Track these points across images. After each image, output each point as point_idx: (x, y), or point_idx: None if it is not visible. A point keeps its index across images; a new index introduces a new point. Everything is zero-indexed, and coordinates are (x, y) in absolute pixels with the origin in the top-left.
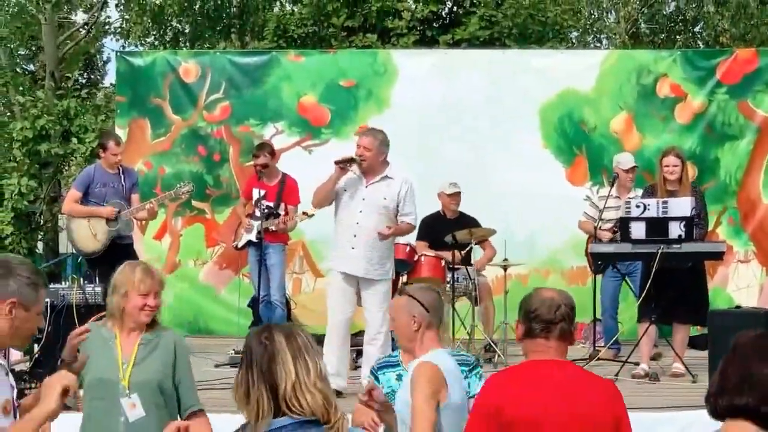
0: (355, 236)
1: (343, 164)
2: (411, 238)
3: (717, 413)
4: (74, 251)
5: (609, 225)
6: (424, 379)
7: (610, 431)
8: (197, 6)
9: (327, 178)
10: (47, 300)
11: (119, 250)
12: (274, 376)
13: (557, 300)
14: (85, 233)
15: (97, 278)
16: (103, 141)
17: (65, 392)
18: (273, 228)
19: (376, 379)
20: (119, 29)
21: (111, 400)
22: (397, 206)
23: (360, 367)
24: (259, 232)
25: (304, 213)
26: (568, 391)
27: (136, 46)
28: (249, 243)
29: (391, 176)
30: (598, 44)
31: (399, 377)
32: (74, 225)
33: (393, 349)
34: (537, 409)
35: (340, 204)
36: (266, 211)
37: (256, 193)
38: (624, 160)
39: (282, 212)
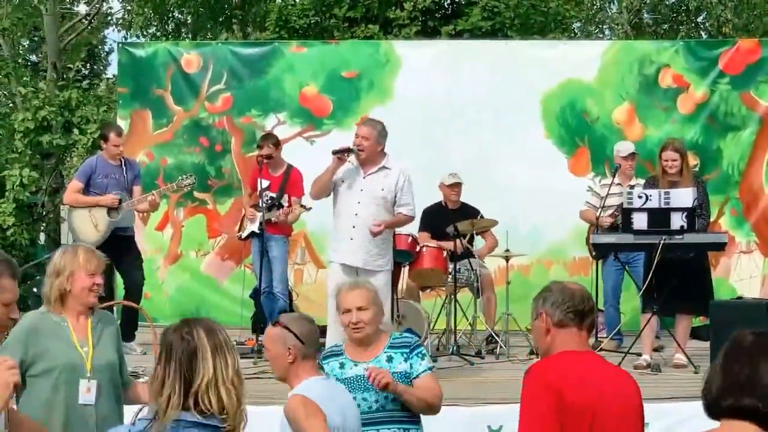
0: (353, 227)
1: (341, 154)
2: (413, 228)
3: (717, 412)
4: (75, 241)
5: (610, 211)
6: (300, 412)
7: (642, 420)
8: None
9: (324, 168)
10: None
11: (122, 241)
12: (192, 372)
13: (585, 292)
14: (86, 223)
15: None
16: (105, 132)
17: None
18: (274, 219)
19: (321, 368)
20: (121, 20)
21: (75, 383)
22: (395, 197)
23: None
24: (261, 224)
25: (301, 206)
26: (617, 380)
27: (138, 37)
28: (252, 234)
29: (388, 167)
30: (601, 35)
31: (342, 365)
32: (75, 215)
33: None
34: (593, 395)
35: (338, 195)
36: (269, 202)
37: (260, 184)
38: (623, 148)
39: (285, 203)
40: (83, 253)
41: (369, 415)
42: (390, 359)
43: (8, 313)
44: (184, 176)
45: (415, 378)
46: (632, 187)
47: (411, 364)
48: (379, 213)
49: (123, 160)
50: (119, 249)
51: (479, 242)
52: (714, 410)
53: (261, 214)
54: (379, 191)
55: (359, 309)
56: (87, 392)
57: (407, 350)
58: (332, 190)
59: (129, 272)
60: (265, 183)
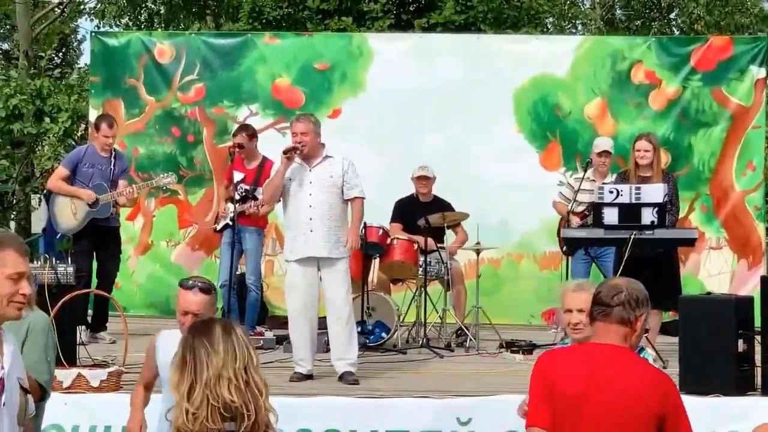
0: (311, 219)
1: (290, 153)
2: (384, 219)
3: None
4: (55, 227)
5: (582, 208)
6: None
7: (647, 425)
8: None
9: (273, 173)
10: None
11: (103, 232)
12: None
13: (620, 286)
14: (66, 210)
15: (68, 258)
16: (97, 122)
17: None
18: (247, 212)
19: None
20: (94, 9)
21: None
22: (343, 182)
23: (330, 350)
24: (234, 215)
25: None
26: (611, 375)
27: (111, 26)
28: (226, 225)
29: (331, 155)
30: (574, 30)
31: None
32: (57, 201)
33: (360, 324)
34: (579, 387)
35: (288, 194)
36: (243, 194)
37: (237, 177)
38: (597, 143)
39: (260, 196)
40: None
41: None
42: None
43: (18, 288)
44: (164, 174)
45: None
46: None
47: None
48: (332, 198)
49: (114, 153)
50: (100, 239)
51: (450, 237)
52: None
53: (234, 206)
54: (328, 179)
55: (580, 311)
56: None
57: None
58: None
59: (104, 265)
60: (240, 176)
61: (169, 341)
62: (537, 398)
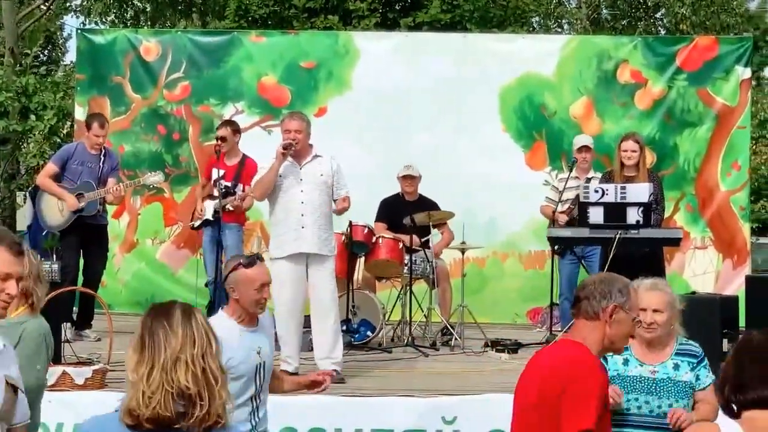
0: (303, 215)
1: (285, 150)
2: (369, 218)
3: (742, 407)
4: (41, 224)
5: (567, 206)
6: None
7: (539, 408)
8: None
9: (267, 169)
10: None
11: (91, 230)
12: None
13: (588, 281)
14: (53, 207)
15: (54, 255)
16: (88, 121)
17: None
18: (230, 207)
19: None
20: (80, 7)
21: None
22: (333, 181)
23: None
24: (216, 212)
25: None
26: (531, 371)
27: (97, 24)
28: (206, 222)
29: (320, 155)
30: (560, 29)
31: (626, 362)
32: (45, 197)
33: (345, 323)
34: (517, 384)
35: (278, 192)
36: (224, 190)
37: (215, 173)
38: (576, 141)
39: (240, 192)
40: None
41: (641, 417)
42: (676, 367)
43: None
44: (152, 172)
45: (699, 390)
46: (589, 180)
47: (698, 376)
48: (323, 196)
49: (104, 151)
50: (88, 236)
51: (436, 237)
52: (739, 405)
53: (216, 202)
54: (319, 177)
55: (655, 311)
56: None
57: (694, 361)
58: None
59: (91, 262)
60: (220, 172)
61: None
62: None
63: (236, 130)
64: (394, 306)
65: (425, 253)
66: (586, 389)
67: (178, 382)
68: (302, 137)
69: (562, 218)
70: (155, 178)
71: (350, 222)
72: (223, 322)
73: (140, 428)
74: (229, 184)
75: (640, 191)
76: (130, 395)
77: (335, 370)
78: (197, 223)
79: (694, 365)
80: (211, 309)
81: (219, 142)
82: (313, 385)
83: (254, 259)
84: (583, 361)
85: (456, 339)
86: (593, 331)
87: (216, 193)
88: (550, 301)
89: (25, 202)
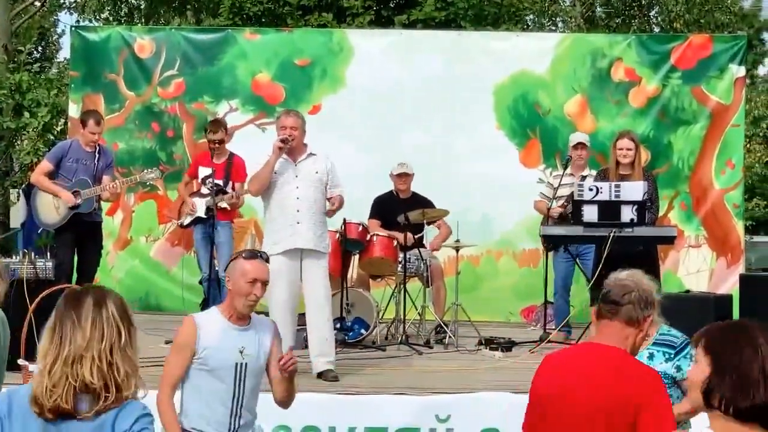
0: (298, 211)
1: (283, 144)
2: (363, 215)
3: (738, 413)
4: (36, 221)
5: (561, 201)
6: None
7: (610, 425)
8: None
9: (263, 164)
10: None
11: (87, 227)
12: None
13: (630, 285)
14: (48, 205)
15: (48, 253)
16: (84, 118)
17: None
18: (225, 204)
19: None
20: (74, 4)
21: None
22: (328, 179)
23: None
24: (209, 209)
25: (247, 190)
26: (591, 375)
27: (91, 21)
28: (196, 220)
29: (314, 153)
30: (554, 27)
31: None
32: (40, 195)
33: (339, 321)
34: (554, 389)
35: (273, 189)
36: (215, 188)
37: (202, 172)
38: (572, 138)
39: (230, 189)
40: None
41: None
42: (651, 357)
43: None
44: (147, 169)
45: (683, 380)
46: (583, 177)
47: (678, 366)
48: (318, 193)
49: (98, 148)
50: (83, 234)
51: (432, 233)
52: (736, 410)
53: (209, 199)
54: (314, 174)
55: None
56: None
57: (672, 351)
58: None
59: (85, 260)
60: (208, 170)
61: (206, 321)
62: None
63: (227, 130)
64: (388, 304)
65: (419, 251)
66: (668, 401)
67: (82, 376)
68: (298, 134)
69: (556, 211)
70: (151, 175)
71: (344, 220)
72: (211, 316)
73: (43, 416)
74: (220, 182)
75: (634, 189)
76: (36, 382)
77: (329, 369)
78: (187, 221)
79: (671, 356)
80: (205, 306)
81: (218, 144)
82: (284, 372)
83: (256, 254)
84: (654, 373)
85: (450, 337)
86: (629, 337)
87: (205, 190)
88: (544, 299)
89: (18, 200)
